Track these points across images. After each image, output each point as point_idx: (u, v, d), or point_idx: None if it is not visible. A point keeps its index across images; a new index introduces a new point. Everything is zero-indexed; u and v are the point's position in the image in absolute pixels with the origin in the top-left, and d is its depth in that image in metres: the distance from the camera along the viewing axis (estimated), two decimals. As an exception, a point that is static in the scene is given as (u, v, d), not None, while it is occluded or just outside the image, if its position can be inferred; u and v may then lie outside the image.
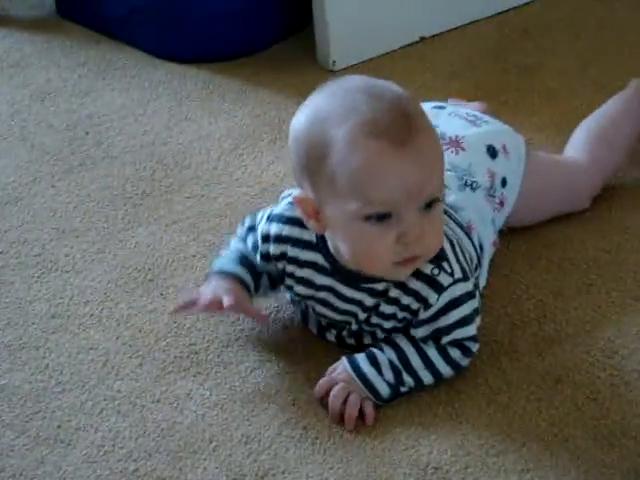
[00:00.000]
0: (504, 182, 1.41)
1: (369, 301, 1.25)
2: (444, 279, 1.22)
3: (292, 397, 1.26)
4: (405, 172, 1.14)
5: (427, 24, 1.99)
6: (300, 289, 1.29)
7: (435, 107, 1.48)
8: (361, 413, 1.22)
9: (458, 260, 1.25)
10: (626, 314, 1.36)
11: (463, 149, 1.40)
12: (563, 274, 1.43)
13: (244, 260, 1.32)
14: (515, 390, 1.26)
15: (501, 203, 1.41)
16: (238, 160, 1.69)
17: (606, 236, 1.49)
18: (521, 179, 1.43)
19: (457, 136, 1.41)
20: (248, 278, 1.32)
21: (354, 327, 1.29)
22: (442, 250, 1.22)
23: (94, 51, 2.00)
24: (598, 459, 1.17)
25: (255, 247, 1.31)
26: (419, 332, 1.25)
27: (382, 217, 1.15)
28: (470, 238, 1.32)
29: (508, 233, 1.47)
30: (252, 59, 1.97)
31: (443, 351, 1.25)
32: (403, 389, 1.24)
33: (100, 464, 1.19)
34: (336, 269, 1.24)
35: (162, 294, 1.42)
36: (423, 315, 1.24)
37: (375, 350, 1.25)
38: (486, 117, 1.49)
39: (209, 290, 1.29)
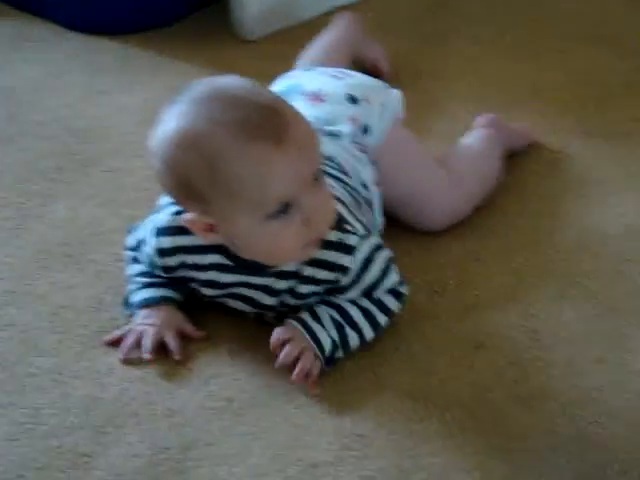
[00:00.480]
0: (367, 129, 1.41)
1: (282, 284, 1.25)
2: (351, 239, 1.24)
3: (214, 369, 1.26)
4: (293, 165, 1.14)
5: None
6: (207, 291, 1.29)
7: (306, 70, 1.52)
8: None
9: (355, 217, 1.27)
10: (543, 278, 1.38)
11: (322, 100, 1.41)
12: (483, 240, 1.45)
13: (155, 279, 1.31)
14: (436, 356, 1.27)
15: (365, 150, 1.40)
16: (155, 132, 1.67)
17: (523, 202, 1.51)
18: (386, 130, 1.43)
19: (319, 89, 1.42)
20: (172, 293, 1.31)
21: (272, 313, 1.29)
22: (338, 214, 1.23)
23: (4, 24, 1.97)
24: (519, 421, 1.19)
25: (153, 263, 1.29)
26: (348, 296, 1.27)
27: (284, 210, 1.16)
28: (349, 181, 1.34)
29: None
30: (166, 31, 1.95)
31: (377, 301, 1.27)
32: (347, 348, 1.25)
33: (22, 441, 1.18)
34: (240, 264, 1.24)
35: (81, 269, 1.41)
36: (345, 281, 1.25)
37: (315, 308, 1.26)
38: (355, 74, 1.49)
39: (147, 329, 1.27)
